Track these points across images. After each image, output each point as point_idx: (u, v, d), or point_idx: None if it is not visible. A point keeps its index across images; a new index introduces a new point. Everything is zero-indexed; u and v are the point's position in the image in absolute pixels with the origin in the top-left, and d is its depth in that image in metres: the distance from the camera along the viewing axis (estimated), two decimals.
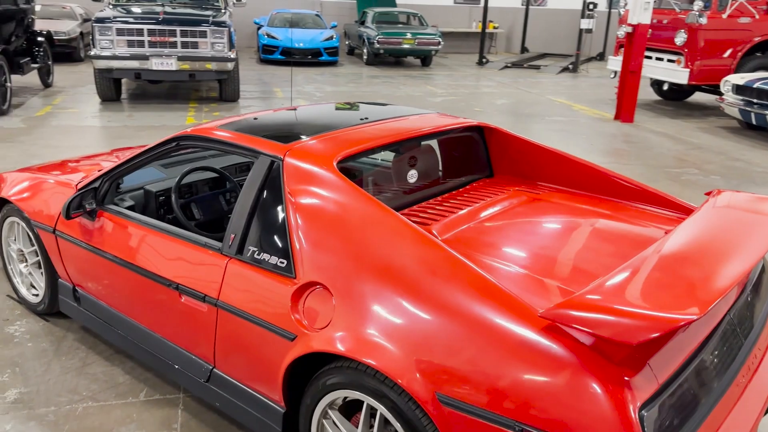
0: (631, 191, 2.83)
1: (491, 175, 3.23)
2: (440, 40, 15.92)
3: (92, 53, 8.98)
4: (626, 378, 1.58)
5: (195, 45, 9.26)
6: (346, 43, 18.74)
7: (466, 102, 11.09)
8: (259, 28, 16.24)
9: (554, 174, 3.06)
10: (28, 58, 9.75)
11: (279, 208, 2.24)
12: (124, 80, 10.20)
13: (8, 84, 8.58)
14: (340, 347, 1.92)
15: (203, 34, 9.25)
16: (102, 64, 9.02)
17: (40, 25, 11.88)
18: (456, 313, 1.78)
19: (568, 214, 2.61)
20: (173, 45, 9.15)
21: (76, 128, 7.85)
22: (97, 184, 2.87)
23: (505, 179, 3.15)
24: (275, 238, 2.21)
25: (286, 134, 2.51)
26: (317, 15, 16.97)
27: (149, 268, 2.56)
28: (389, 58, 17.22)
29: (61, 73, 12.19)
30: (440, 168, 3.11)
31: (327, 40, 15.49)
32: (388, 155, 3.48)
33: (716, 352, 1.89)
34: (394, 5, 19.29)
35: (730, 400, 1.87)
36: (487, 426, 1.69)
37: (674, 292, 1.64)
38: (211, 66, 9.31)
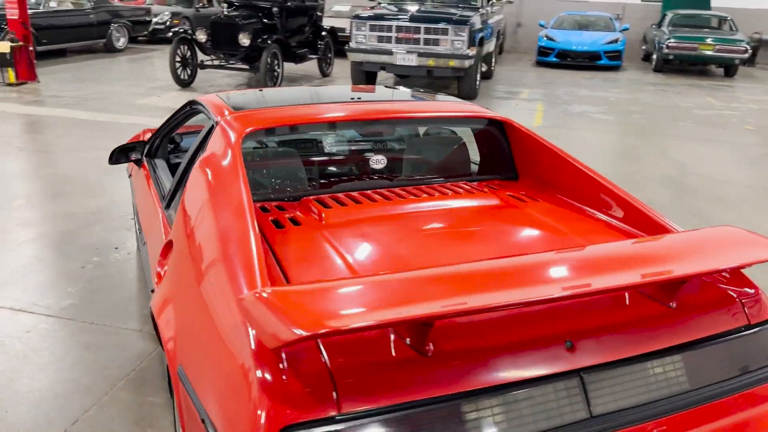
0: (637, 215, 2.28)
1: (514, 177, 2.86)
2: (747, 47, 13.65)
3: (348, 47, 10.00)
4: (292, 389, 1.37)
5: (436, 42, 9.63)
6: (642, 48, 17.25)
7: (739, 118, 9.42)
8: None
9: (569, 187, 2.59)
10: (306, 50, 11.27)
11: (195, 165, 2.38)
12: (380, 73, 11.11)
13: (278, 69, 10.09)
14: (152, 305, 2.01)
15: (444, 32, 9.56)
16: (355, 57, 9.99)
17: (329, 22, 13.56)
18: (192, 288, 1.74)
19: (515, 224, 2.23)
20: (416, 42, 9.65)
21: None
22: (146, 139, 3.36)
23: (521, 184, 2.77)
24: (179, 191, 2.37)
25: (248, 105, 2.62)
26: (611, 18, 15.97)
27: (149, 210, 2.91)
28: (686, 66, 15.35)
29: (341, 65, 13.78)
30: (440, 160, 2.87)
31: (610, 43, 14.53)
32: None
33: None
34: (708, 7, 17.06)
35: None
36: (191, 409, 1.63)
37: (337, 306, 1.36)
38: (447, 63, 9.58)
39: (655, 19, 17.97)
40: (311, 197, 2.37)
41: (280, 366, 1.41)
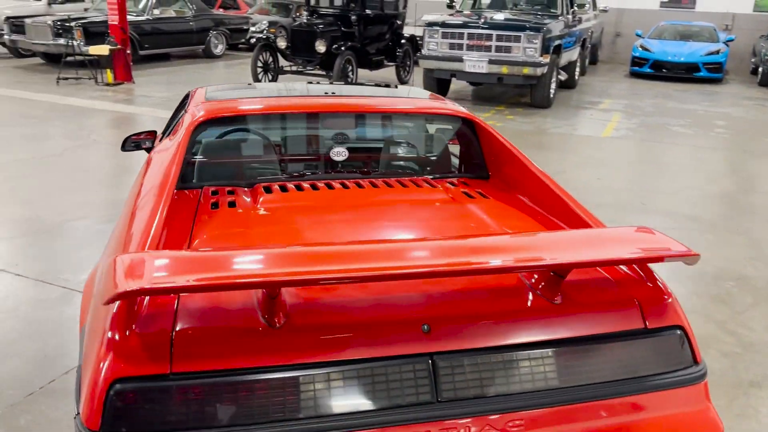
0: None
1: (485, 176, 2.83)
2: None
3: (420, 54, 10.09)
4: (130, 347, 1.47)
5: (508, 49, 9.50)
6: (751, 60, 16.08)
7: None
8: None
9: (528, 190, 2.55)
10: (383, 57, 11.46)
11: None
12: (454, 81, 11.08)
13: (352, 75, 10.34)
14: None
15: (517, 39, 9.42)
16: (426, 64, 10.06)
17: (419, 32, 13.69)
18: (103, 257, 1.89)
19: (444, 217, 2.24)
20: (487, 49, 9.58)
21: None
22: (157, 129, 3.61)
23: (489, 183, 2.74)
24: None
25: (225, 97, 2.78)
26: (714, 29, 15.03)
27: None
28: None
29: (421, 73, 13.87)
30: (414, 156, 2.89)
31: (710, 54, 13.68)
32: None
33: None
34: None
35: None
36: None
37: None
38: (521, 70, 9.42)
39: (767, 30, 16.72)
40: (262, 184, 2.49)
41: (131, 326, 1.51)
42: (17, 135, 7.09)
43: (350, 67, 10.33)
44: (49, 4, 13.50)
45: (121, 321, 1.51)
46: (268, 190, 2.41)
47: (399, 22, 11.97)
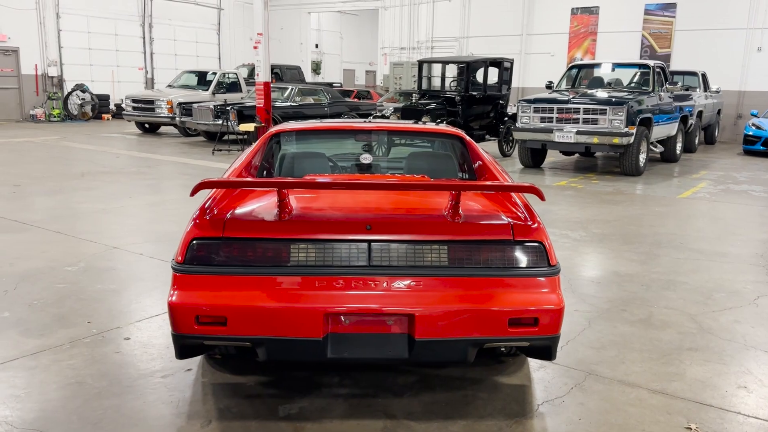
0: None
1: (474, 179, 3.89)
2: None
3: (514, 127, 11.22)
4: (207, 218, 2.74)
5: (595, 121, 10.37)
6: None
7: None
8: None
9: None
10: (485, 132, 12.71)
11: None
12: (554, 153, 11.98)
13: None
14: None
15: (603, 112, 10.28)
16: (519, 135, 11.15)
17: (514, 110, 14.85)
18: None
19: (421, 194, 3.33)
20: (575, 121, 10.51)
21: None
22: None
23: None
24: None
25: (297, 126, 4.12)
26: None
27: None
28: None
29: None
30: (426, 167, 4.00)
31: None
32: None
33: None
34: None
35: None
36: None
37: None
38: (607, 140, 10.21)
39: None
40: (312, 176, 3.77)
41: (204, 213, 2.79)
42: (176, 185, 9.07)
43: None
44: (213, 93, 16.35)
45: (200, 211, 2.80)
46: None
47: (502, 102, 13.23)
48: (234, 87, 17.20)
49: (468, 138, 3.94)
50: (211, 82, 16.88)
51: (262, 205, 2.89)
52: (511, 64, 13.49)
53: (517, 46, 20.84)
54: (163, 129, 17.32)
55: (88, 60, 21.32)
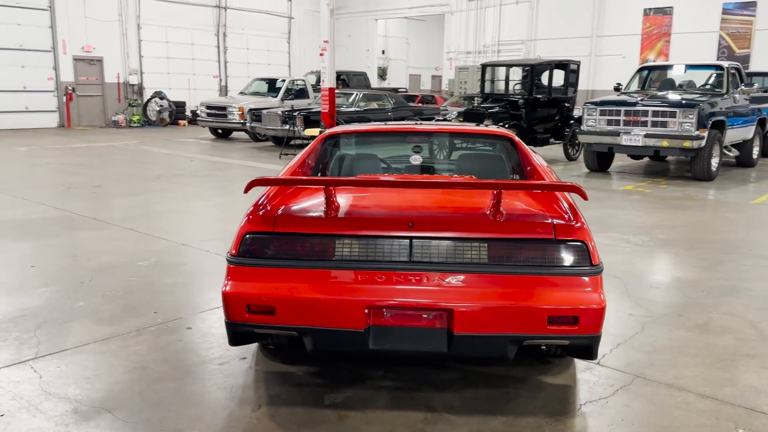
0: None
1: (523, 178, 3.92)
2: None
3: (579, 130, 11.03)
4: (259, 214, 2.91)
5: (664, 124, 10.07)
6: None
7: None
8: None
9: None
10: (549, 135, 12.55)
11: None
12: (619, 155, 11.69)
13: None
14: None
15: (672, 115, 9.97)
16: (584, 138, 10.95)
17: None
18: None
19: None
20: (643, 124, 10.23)
21: None
22: None
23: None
24: None
25: (352, 128, 4.26)
26: None
27: None
28: None
29: None
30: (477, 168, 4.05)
31: None
32: None
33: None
34: None
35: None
36: None
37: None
38: (677, 143, 9.90)
39: None
40: (363, 176, 3.89)
41: (257, 210, 2.96)
42: (244, 187, 9.42)
43: None
44: (282, 100, 16.84)
45: (253, 208, 2.97)
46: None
47: (568, 105, 13.02)
48: (302, 93, 17.66)
49: (517, 139, 3.97)
50: (280, 89, 17.40)
51: (310, 203, 3.03)
52: (578, 66, 13.27)
53: (587, 48, 20.44)
54: (234, 134, 17.96)
55: (166, 68, 22.37)
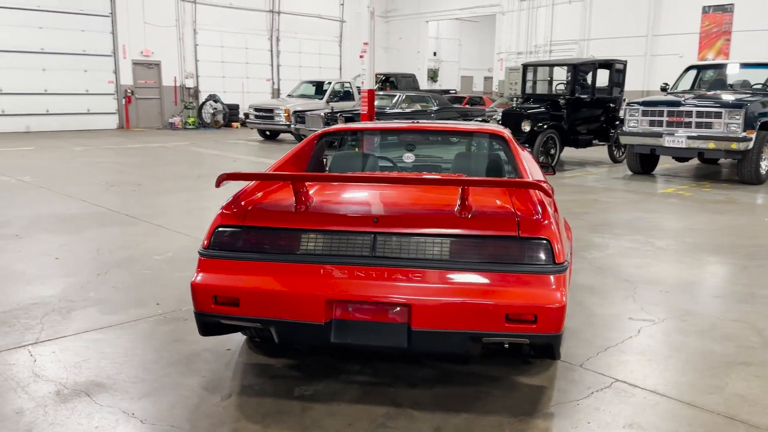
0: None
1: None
2: None
3: (621, 131, 10.73)
4: (232, 208, 2.99)
5: (709, 125, 9.68)
6: None
7: None
8: None
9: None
10: (591, 137, 12.24)
11: None
12: (666, 158, 11.31)
13: (553, 152, 11.36)
14: None
15: (718, 115, 9.57)
16: (626, 139, 10.64)
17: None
18: None
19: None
20: (687, 125, 9.86)
21: (582, 187, 9.89)
22: None
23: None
24: None
25: (348, 125, 4.32)
26: None
27: None
28: None
29: None
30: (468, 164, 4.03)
31: None
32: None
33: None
34: None
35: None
36: None
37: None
38: (724, 145, 9.50)
39: None
40: (354, 173, 3.93)
41: (230, 206, 3.04)
42: None
43: (554, 146, 11.36)
44: (327, 102, 17.08)
45: (228, 202, 3.05)
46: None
47: (613, 106, 12.67)
48: (347, 96, 17.86)
49: (509, 136, 3.92)
50: (326, 91, 17.64)
51: (282, 198, 3.09)
52: (624, 65, 12.90)
53: (642, 47, 19.84)
54: (282, 136, 18.32)
55: (221, 72, 23.03)
